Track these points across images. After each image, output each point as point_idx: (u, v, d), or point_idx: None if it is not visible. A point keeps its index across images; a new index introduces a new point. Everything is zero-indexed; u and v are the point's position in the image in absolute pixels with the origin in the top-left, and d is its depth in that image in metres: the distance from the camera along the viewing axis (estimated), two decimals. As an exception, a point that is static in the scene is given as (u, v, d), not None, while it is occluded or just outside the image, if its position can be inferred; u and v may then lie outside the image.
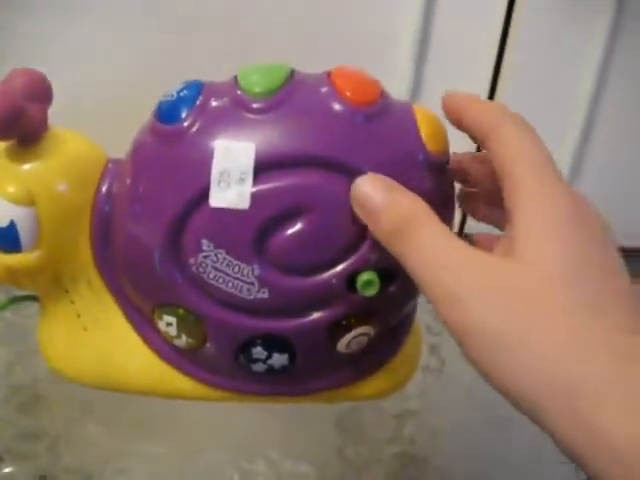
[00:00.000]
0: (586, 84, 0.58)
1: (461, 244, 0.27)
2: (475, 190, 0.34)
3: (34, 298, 0.36)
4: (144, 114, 0.33)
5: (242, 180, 0.30)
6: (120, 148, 0.34)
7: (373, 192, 0.29)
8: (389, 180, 0.29)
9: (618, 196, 0.63)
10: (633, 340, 0.24)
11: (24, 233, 0.32)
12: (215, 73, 0.33)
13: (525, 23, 0.55)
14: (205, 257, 0.30)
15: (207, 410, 0.43)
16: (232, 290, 0.31)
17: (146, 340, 0.35)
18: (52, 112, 0.33)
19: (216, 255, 0.30)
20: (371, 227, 0.29)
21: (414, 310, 0.37)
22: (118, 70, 0.55)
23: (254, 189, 0.30)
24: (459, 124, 0.31)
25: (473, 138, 0.31)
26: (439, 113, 0.32)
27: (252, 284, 0.31)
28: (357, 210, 0.29)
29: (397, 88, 0.54)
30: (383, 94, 0.32)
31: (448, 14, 0.55)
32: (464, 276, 0.26)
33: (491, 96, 0.58)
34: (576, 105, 0.58)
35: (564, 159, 0.60)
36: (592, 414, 0.23)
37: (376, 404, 0.47)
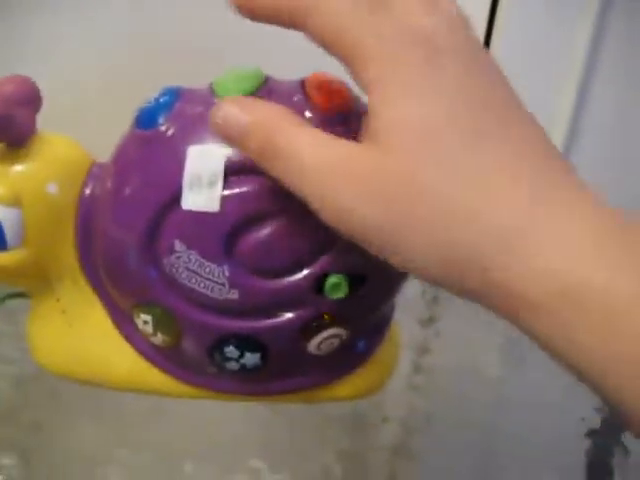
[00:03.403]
0: (570, 93, 0.57)
1: (325, 139, 0.26)
2: None
3: (24, 295, 0.37)
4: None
5: (212, 183, 0.31)
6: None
7: (232, 112, 0.27)
8: (247, 98, 0.29)
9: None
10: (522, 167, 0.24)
11: (10, 232, 0.33)
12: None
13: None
14: (178, 258, 0.31)
15: (191, 420, 0.44)
16: (204, 290, 0.32)
17: (127, 337, 0.36)
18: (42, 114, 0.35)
19: (188, 256, 0.31)
20: (242, 150, 0.28)
21: (391, 313, 0.37)
22: (107, 72, 0.56)
23: (224, 192, 0.30)
24: (269, 17, 0.27)
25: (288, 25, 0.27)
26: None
27: (223, 285, 0.32)
28: (222, 136, 0.28)
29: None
30: (354, 101, 0.32)
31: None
32: (333, 177, 0.25)
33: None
34: (557, 119, 0.58)
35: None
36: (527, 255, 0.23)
37: (357, 411, 0.47)
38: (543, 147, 0.26)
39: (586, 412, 0.57)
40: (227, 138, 0.28)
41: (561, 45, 0.56)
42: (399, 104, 0.25)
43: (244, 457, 0.44)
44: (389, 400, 0.48)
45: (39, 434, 0.45)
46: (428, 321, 0.60)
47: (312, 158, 0.26)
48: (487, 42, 0.56)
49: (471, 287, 0.25)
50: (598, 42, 0.56)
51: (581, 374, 0.24)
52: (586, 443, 0.55)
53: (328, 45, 0.26)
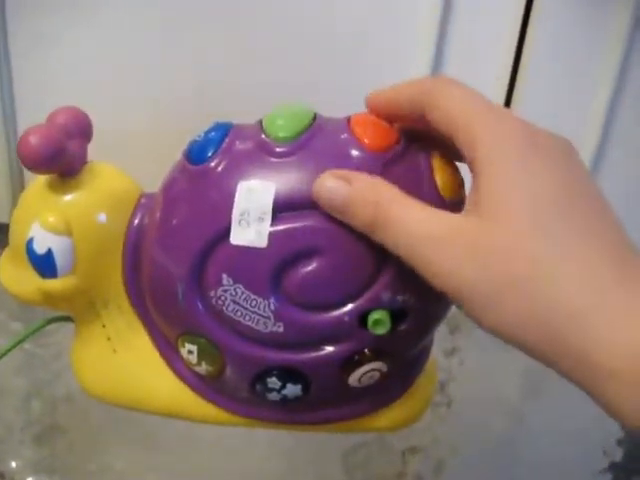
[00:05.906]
0: (602, 94, 0.58)
1: (431, 213, 0.29)
2: None
3: (69, 319, 0.38)
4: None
5: (261, 220, 0.31)
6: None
7: (336, 187, 0.30)
8: (346, 172, 0.31)
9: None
10: (612, 268, 0.26)
11: (60, 260, 0.34)
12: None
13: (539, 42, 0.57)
14: (225, 291, 0.32)
15: (217, 447, 0.44)
16: (249, 323, 0.33)
17: (170, 365, 0.37)
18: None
19: (235, 289, 0.32)
20: (348, 222, 0.30)
21: (429, 346, 0.38)
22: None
23: (272, 229, 0.31)
24: (392, 114, 0.33)
25: (409, 118, 0.33)
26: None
27: (268, 318, 0.32)
28: (325, 208, 0.31)
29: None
30: (400, 141, 0.33)
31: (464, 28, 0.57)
32: (439, 246, 0.28)
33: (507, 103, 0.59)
34: (591, 119, 0.59)
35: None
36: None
37: (382, 439, 0.47)
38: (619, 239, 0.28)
39: (608, 445, 0.57)
40: (330, 208, 0.31)
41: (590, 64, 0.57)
42: (506, 180, 0.28)
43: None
44: (413, 429, 0.49)
45: (70, 456, 0.45)
46: (451, 351, 0.60)
47: (420, 230, 0.28)
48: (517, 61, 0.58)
49: (560, 354, 0.26)
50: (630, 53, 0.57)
51: None
52: (607, 476, 0.55)
53: (444, 131, 0.30)
